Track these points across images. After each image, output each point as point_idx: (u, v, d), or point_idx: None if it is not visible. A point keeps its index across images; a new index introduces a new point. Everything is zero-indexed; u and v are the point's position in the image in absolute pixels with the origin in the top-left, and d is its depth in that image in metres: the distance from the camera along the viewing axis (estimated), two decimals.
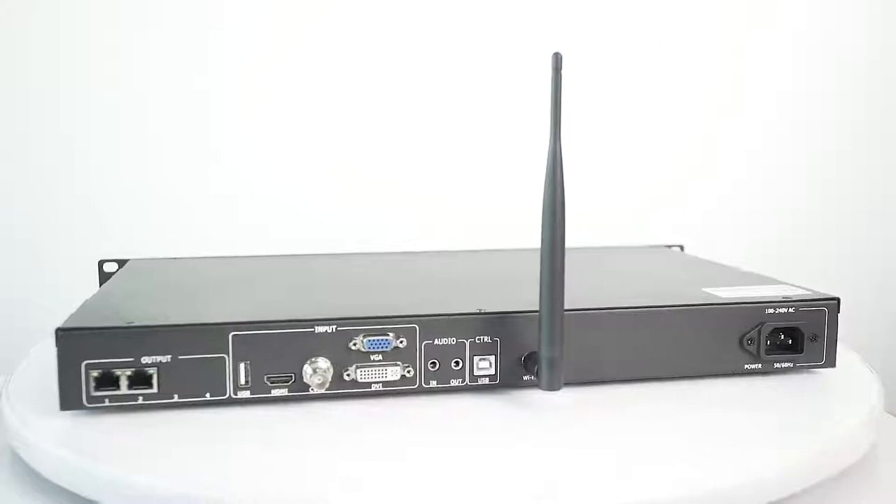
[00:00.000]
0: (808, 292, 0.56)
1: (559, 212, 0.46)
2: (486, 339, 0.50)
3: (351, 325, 0.48)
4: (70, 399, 0.45)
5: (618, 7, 1.05)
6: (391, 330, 0.49)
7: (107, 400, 0.45)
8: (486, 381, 0.50)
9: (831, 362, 0.55)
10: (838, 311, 0.54)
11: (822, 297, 0.54)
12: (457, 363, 0.50)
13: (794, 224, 1.10)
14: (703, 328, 0.53)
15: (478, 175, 1.05)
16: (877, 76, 1.09)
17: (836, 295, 0.54)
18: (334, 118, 1.02)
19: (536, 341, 0.48)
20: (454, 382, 0.50)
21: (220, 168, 1.00)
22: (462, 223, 1.03)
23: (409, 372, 0.49)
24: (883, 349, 1.09)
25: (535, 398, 0.50)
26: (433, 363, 0.50)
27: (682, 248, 0.80)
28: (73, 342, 0.45)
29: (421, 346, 0.49)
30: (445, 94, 1.03)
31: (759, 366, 0.54)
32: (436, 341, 0.49)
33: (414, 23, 1.02)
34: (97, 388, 0.45)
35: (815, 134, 1.10)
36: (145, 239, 0.98)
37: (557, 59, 0.44)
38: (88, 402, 0.45)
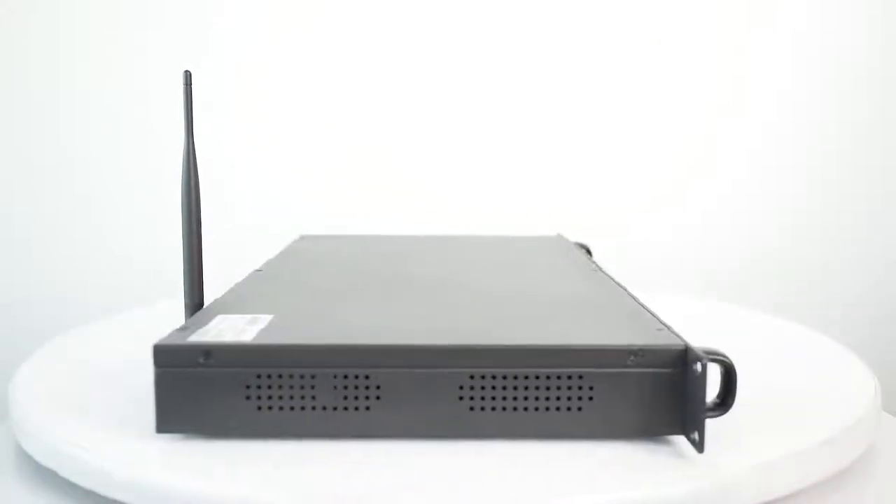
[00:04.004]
0: None
1: (193, 194, 0.53)
2: None
3: None
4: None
5: (618, 7, 1.05)
6: None
7: None
8: None
9: None
10: None
11: None
12: None
13: (793, 224, 1.10)
14: None
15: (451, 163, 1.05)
16: (877, 76, 1.09)
17: None
18: (331, 118, 1.02)
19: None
20: None
21: (219, 167, 1.00)
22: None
23: None
24: (882, 349, 1.09)
25: None
26: None
27: None
28: None
29: None
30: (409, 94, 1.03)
31: None
32: None
33: (413, 23, 1.02)
34: None
35: (815, 134, 1.10)
36: (145, 238, 0.98)
37: (187, 76, 0.51)
38: None
